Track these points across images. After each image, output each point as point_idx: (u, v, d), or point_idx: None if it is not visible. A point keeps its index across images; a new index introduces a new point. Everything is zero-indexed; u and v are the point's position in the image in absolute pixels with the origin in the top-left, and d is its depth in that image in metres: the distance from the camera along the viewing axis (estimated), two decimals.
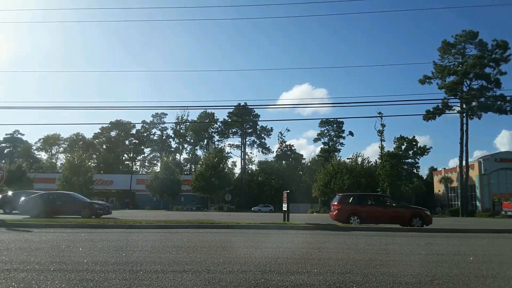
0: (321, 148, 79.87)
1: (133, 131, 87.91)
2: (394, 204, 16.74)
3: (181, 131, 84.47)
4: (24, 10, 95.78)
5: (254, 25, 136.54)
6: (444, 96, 48.99)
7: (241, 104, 66.12)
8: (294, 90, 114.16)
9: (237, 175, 79.63)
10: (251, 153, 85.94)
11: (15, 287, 4.31)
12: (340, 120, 76.74)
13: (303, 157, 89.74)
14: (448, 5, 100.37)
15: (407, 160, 61.85)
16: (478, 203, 51.25)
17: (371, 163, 57.46)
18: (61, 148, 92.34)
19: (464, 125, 48.93)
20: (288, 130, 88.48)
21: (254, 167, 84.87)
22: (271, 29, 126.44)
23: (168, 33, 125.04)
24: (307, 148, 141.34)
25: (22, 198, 20.11)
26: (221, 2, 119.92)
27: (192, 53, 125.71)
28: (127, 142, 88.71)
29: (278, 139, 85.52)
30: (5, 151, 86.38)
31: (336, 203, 16.72)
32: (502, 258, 7.57)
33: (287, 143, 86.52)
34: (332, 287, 4.57)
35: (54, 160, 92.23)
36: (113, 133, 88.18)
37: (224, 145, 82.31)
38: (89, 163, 67.90)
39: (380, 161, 55.53)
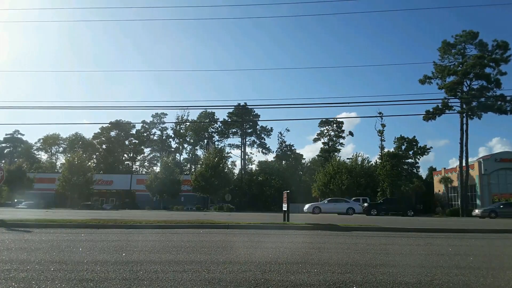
0: (321, 148, 79.92)
1: (133, 131, 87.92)
2: None
3: (181, 131, 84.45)
4: (19, 10, 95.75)
5: (256, 25, 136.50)
6: (444, 96, 48.98)
7: (241, 104, 66.14)
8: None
9: (237, 175, 79.60)
10: (251, 153, 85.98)
11: (15, 287, 4.31)
12: (340, 120, 76.82)
13: (303, 157, 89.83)
14: (448, 5, 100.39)
15: (407, 160, 61.96)
16: (478, 203, 51.22)
17: (371, 163, 57.54)
18: (61, 148, 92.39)
19: (464, 125, 48.90)
20: (288, 130, 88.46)
21: (254, 167, 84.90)
22: (272, 29, 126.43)
23: (167, 32, 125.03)
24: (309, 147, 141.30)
25: None
26: (221, 2, 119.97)
27: (194, 53, 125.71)
28: (127, 142, 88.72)
29: (278, 139, 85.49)
30: (5, 151, 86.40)
31: None
32: (502, 258, 7.57)
33: (288, 143, 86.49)
34: (332, 287, 4.58)
35: (54, 160, 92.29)
36: (113, 133, 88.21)
37: (224, 145, 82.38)
38: (89, 163, 67.92)
39: (380, 161, 55.53)
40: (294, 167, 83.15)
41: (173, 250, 7.33)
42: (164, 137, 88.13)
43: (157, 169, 69.87)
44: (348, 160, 56.19)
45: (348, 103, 16.81)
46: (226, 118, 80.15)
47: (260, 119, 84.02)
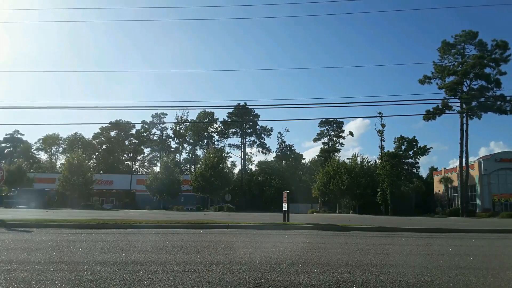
0: (321, 148, 79.89)
1: (133, 131, 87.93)
2: None
3: (181, 131, 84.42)
4: (20, 10, 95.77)
5: (256, 25, 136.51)
6: (444, 96, 48.98)
7: (241, 104, 66.14)
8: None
9: (237, 175, 79.59)
10: (251, 153, 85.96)
11: (15, 287, 4.31)
12: (340, 120, 76.74)
13: (303, 157, 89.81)
14: (448, 5, 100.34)
15: (407, 160, 61.91)
16: (478, 203, 51.25)
17: (371, 163, 57.45)
18: (61, 148, 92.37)
19: (464, 125, 48.90)
20: (288, 130, 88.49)
21: (254, 167, 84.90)
22: (273, 29, 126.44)
23: (168, 33, 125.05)
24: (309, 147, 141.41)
25: None
26: (222, 2, 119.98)
27: (194, 53, 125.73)
28: (127, 142, 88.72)
29: (278, 139, 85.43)
30: (5, 151, 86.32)
31: None
32: (502, 258, 7.58)
33: (288, 143, 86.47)
34: (332, 287, 4.58)
35: (53, 160, 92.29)
36: (112, 133, 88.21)
37: (224, 145, 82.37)
38: (89, 163, 67.89)
39: (380, 161, 55.50)
40: (294, 167, 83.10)
41: (173, 250, 7.33)
42: (164, 137, 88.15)
43: (157, 169, 69.88)
44: (348, 160, 56.13)
45: (348, 103, 16.74)
46: (226, 118, 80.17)
47: (260, 119, 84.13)
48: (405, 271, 5.65)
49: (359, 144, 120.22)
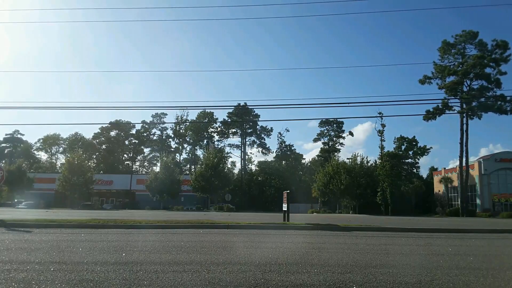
0: (321, 148, 79.88)
1: (133, 131, 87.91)
2: None
3: (181, 131, 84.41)
4: (21, 11, 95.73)
5: (257, 25, 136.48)
6: (444, 96, 48.97)
7: (241, 104, 66.13)
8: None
9: (237, 175, 79.56)
10: (251, 153, 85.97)
11: (15, 287, 4.31)
12: (340, 120, 76.68)
13: (303, 157, 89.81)
14: (448, 5, 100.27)
15: (407, 160, 61.92)
16: (478, 203, 51.24)
17: (370, 162, 57.44)
18: (61, 148, 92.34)
19: (464, 125, 48.89)
20: (288, 130, 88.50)
21: (254, 167, 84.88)
22: (273, 29, 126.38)
23: (168, 33, 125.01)
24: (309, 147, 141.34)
25: None
26: (222, 2, 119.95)
27: (194, 53, 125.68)
28: (127, 142, 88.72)
29: (278, 139, 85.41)
30: (5, 151, 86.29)
31: None
32: (502, 258, 7.57)
33: (288, 143, 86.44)
34: (332, 287, 4.58)
35: (54, 160, 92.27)
36: (113, 133, 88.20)
37: (224, 145, 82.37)
38: (89, 163, 67.88)
39: (380, 161, 55.50)
40: (294, 167, 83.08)
41: (173, 250, 7.33)
42: (164, 137, 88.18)
43: (157, 169, 69.84)
44: (348, 160, 56.16)
45: (349, 103, 16.72)
46: (226, 118, 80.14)
47: (260, 119, 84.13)
48: (405, 271, 5.65)
49: (363, 146, 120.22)
